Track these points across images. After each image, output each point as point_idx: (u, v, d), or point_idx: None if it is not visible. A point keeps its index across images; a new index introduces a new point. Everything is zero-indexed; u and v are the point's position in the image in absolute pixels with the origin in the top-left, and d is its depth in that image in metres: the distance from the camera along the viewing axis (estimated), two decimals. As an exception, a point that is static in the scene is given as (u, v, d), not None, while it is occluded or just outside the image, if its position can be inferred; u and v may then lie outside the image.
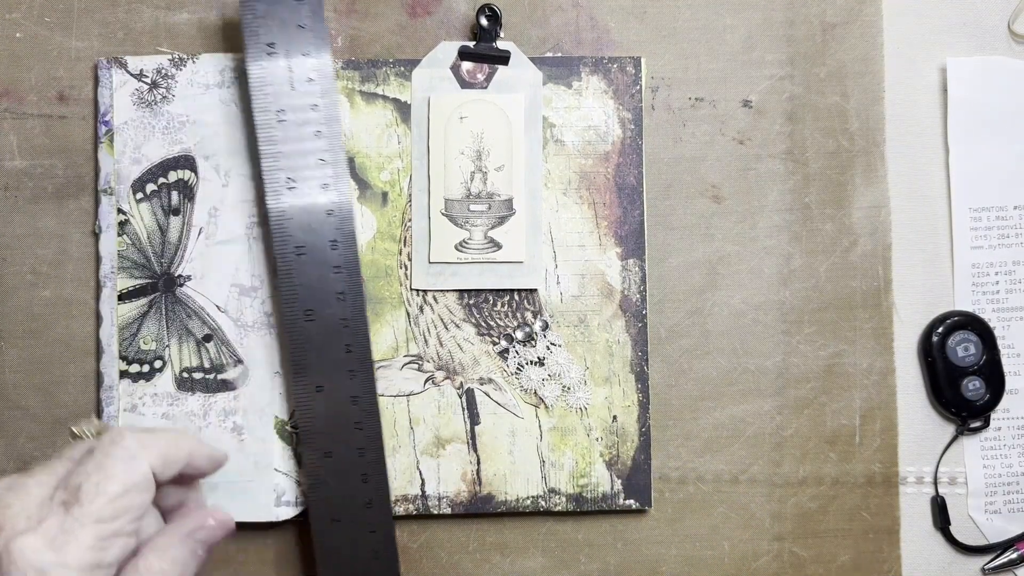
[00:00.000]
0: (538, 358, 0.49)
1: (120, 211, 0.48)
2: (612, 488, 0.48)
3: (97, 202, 0.48)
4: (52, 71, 0.48)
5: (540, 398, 0.49)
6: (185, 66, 0.48)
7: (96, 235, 0.48)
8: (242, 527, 0.48)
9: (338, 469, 0.46)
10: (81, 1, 0.49)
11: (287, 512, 0.47)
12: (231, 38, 0.49)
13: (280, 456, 0.47)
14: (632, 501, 0.48)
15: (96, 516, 0.33)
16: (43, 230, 0.48)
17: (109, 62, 0.48)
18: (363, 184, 0.48)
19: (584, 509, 0.48)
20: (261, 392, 0.47)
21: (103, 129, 0.48)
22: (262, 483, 0.47)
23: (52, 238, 0.48)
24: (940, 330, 0.49)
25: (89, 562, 0.33)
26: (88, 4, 0.49)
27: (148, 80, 0.48)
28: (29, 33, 0.48)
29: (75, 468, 0.35)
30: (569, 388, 0.49)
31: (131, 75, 0.48)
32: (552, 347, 0.49)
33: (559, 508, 0.48)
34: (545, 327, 0.49)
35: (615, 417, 0.48)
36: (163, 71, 0.48)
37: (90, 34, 0.48)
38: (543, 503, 0.48)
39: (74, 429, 0.38)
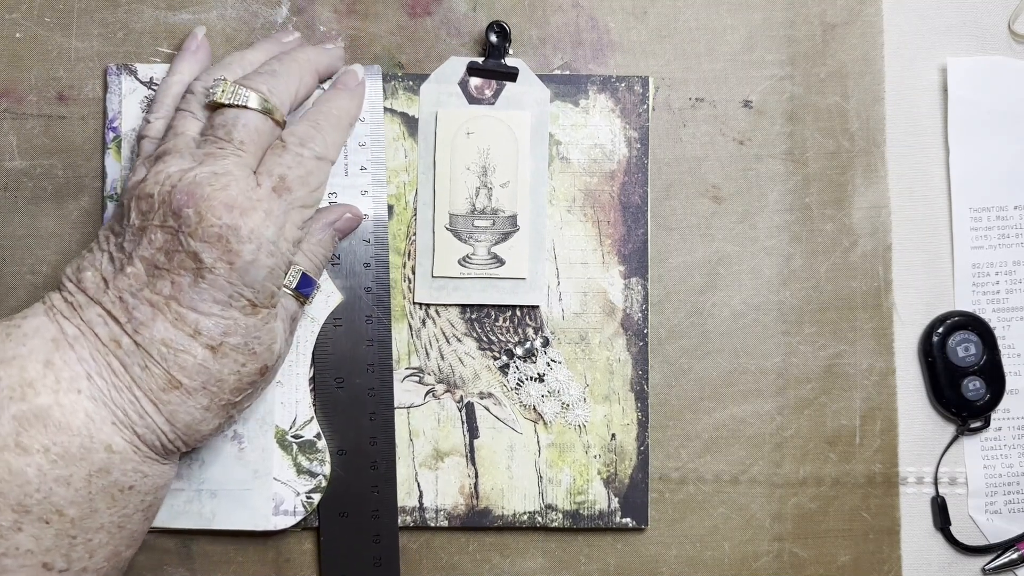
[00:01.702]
0: (538, 374, 0.48)
1: None
2: (609, 506, 0.48)
3: (103, 208, 0.48)
4: (52, 71, 0.48)
5: (539, 414, 0.48)
6: None
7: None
8: (239, 535, 0.48)
9: (351, 467, 0.47)
10: (81, 1, 0.49)
11: (285, 521, 0.47)
12: (232, 39, 0.49)
13: (279, 465, 0.47)
14: (629, 519, 0.48)
15: (301, 202, 0.41)
16: (43, 230, 0.48)
17: (119, 68, 0.48)
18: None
19: (581, 526, 0.48)
20: (262, 401, 0.47)
21: (111, 135, 0.48)
22: (261, 492, 0.47)
23: (52, 238, 0.48)
24: (940, 330, 0.49)
25: (296, 238, 0.41)
26: (88, 4, 0.49)
27: (158, 88, 0.48)
28: (29, 33, 0.48)
29: (274, 158, 0.41)
30: (568, 405, 0.48)
31: (141, 82, 0.48)
32: (552, 364, 0.48)
33: (556, 524, 0.48)
34: (546, 343, 0.48)
35: (614, 435, 0.48)
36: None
37: (90, 34, 0.48)
38: (540, 519, 0.48)
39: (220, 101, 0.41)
